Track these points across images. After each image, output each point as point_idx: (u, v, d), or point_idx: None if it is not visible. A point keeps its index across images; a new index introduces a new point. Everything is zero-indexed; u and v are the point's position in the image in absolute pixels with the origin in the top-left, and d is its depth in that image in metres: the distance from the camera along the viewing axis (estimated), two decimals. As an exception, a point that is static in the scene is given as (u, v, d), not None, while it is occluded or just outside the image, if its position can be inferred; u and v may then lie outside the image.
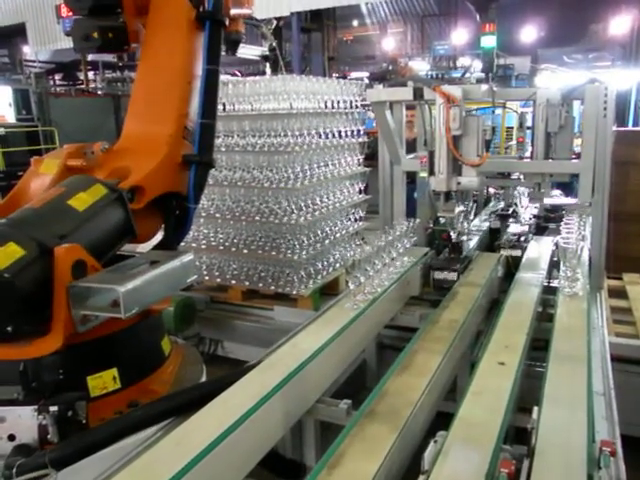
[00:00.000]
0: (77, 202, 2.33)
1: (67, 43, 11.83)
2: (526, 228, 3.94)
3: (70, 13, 3.00)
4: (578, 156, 3.50)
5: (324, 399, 1.96)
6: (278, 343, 2.12)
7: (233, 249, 4.04)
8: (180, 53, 2.91)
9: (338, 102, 4.13)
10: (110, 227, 2.44)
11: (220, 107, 4.06)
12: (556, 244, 2.73)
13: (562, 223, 2.89)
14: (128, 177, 2.59)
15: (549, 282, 2.85)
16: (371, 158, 4.60)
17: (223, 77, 3.72)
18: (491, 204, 5.02)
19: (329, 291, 4.00)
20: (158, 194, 2.70)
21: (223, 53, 3.10)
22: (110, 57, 16.77)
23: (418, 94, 3.20)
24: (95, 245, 2.30)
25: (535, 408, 1.55)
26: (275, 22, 5.85)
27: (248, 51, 6.13)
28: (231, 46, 3.23)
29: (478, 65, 13.96)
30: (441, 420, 1.77)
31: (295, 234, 3.80)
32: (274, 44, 5.72)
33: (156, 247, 2.85)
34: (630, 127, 12.06)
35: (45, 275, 2.04)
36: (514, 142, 7.35)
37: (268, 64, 6.40)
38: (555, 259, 2.69)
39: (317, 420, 1.96)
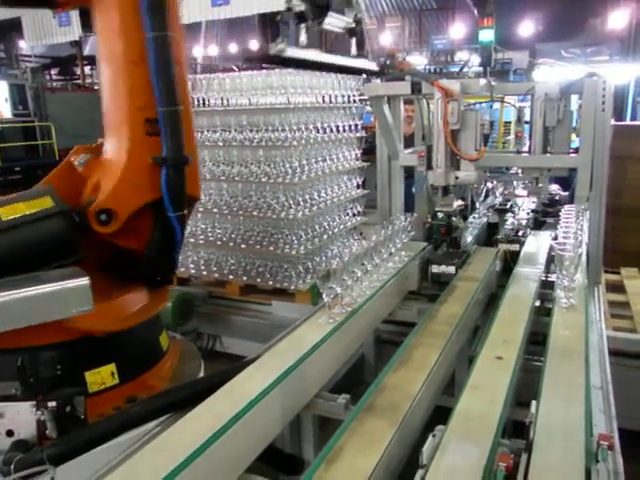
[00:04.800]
0: (6, 210, 2.18)
1: (64, 38, 11.76)
2: (524, 222, 3.93)
3: (67, 7, 2.70)
4: (575, 151, 3.50)
5: (322, 394, 1.96)
6: (276, 338, 2.12)
7: (231, 244, 4.04)
8: (118, 30, 2.35)
9: (336, 96, 4.12)
10: (37, 243, 2.22)
11: (218, 102, 4.05)
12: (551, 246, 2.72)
13: (559, 225, 2.87)
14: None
15: (547, 276, 2.85)
16: (369, 153, 4.59)
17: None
18: (489, 199, 5.01)
19: (327, 286, 4.00)
20: (135, 209, 2.41)
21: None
22: (107, 52, 16.60)
23: (416, 88, 3.19)
24: (7, 258, 2.15)
25: (533, 402, 1.55)
26: None
27: (334, 21, 4.32)
28: (317, 13, 2.75)
29: (476, 59, 13.93)
30: (439, 414, 1.77)
31: (293, 229, 3.80)
32: (360, 15, 4.01)
33: (137, 273, 2.55)
34: (628, 122, 12.06)
35: None
36: (512, 136, 7.34)
37: (354, 40, 4.65)
38: (553, 254, 2.69)
39: (315, 415, 1.96)
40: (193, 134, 2.68)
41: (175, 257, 2.67)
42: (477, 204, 4.21)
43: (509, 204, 4.48)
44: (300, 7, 2.60)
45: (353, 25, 3.84)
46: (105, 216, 2.35)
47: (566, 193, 4.47)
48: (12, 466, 1.69)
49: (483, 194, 4.62)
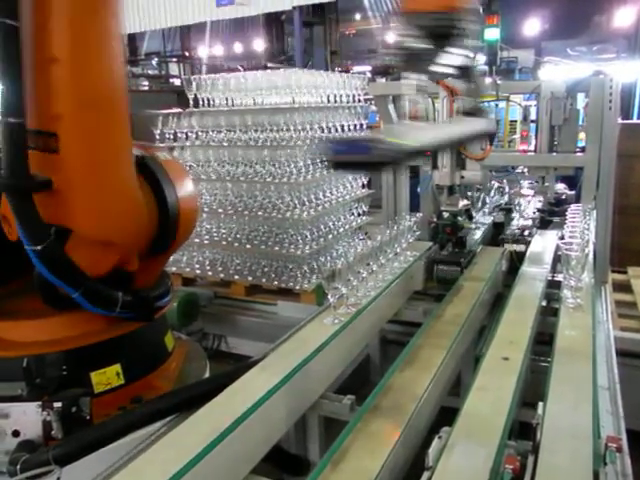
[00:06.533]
0: None
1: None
2: (530, 222, 3.91)
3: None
4: (581, 149, 3.48)
5: (328, 394, 1.95)
6: (281, 338, 2.11)
7: (236, 244, 4.04)
8: None
9: (341, 96, 4.12)
10: None
11: (223, 101, 4.06)
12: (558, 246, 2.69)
13: (565, 224, 2.84)
14: None
15: (553, 276, 2.84)
16: (374, 152, 4.57)
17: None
18: (494, 198, 4.98)
19: (332, 286, 3.98)
20: None
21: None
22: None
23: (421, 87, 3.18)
24: None
25: (540, 403, 1.54)
26: None
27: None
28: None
29: (481, 58, 13.91)
30: (445, 415, 1.76)
31: (298, 229, 3.80)
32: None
33: None
34: (635, 120, 11.99)
35: None
36: (517, 135, 7.32)
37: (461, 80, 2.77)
38: (559, 253, 2.68)
39: (321, 415, 1.95)
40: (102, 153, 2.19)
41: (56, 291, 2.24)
42: (473, 211, 3.95)
43: (512, 205, 4.45)
44: None
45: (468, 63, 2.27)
46: None
47: (572, 192, 4.44)
48: (18, 466, 1.70)
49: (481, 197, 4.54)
